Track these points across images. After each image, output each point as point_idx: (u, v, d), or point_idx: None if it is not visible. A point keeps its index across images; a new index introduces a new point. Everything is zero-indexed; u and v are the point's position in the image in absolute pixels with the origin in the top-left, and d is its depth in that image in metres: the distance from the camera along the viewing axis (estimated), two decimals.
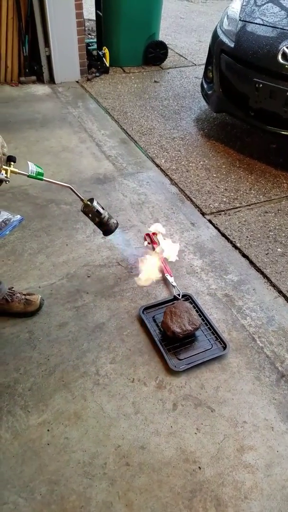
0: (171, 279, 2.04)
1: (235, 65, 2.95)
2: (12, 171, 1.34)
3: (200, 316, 1.85)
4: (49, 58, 4.18)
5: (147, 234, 2.34)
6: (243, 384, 1.61)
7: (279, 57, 2.64)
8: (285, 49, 2.62)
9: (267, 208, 2.64)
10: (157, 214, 2.55)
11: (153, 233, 2.35)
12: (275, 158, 3.20)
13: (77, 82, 4.42)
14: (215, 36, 3.28)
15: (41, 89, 4.18)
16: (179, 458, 1.39)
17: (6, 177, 1.33)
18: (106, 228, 1.64)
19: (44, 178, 1.43)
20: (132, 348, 1.75)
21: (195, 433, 1.46)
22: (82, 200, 1.55)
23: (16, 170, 1.35)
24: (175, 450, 1.41)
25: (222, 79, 3.14)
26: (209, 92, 3.37)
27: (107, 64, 4.65)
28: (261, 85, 2.74)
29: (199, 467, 1.37)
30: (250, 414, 1.52)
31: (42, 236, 2.29)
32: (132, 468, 1.36)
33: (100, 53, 4.65)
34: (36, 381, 1.60)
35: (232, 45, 2.98)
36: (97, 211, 1.58)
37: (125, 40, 4.68)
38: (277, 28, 2.78)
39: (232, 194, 2.78)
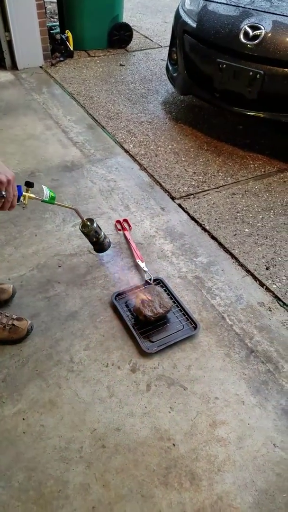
0: (142, 265, 2.06)
1: (198, 46, 2.94)
2: (29, 197, 1.35)
3: (172, 299, 1.88)
4: (10, 43, 4.06)
5: (118, 221, 2.35)
6: (214, 362, 1.66)
7: (241, 37, 2.64)
8: (247, 28, 2.63)
9: (235, 190, 2.68)
10: (127, 200, 2.55)
11: (124, 220, 2.36)
12: (242, 139, 3.23)
13: (40, 67, 4.32)
14: (177, 16, 3.25)
15: (3, 76, 4.07)
16: (153, 437, 1.43)
17: (25, 203, 1.34)
18: (101, 246, 1.67)
19: (55, 202, 1.44)
20: (105, 334, 1.77)
21: (169, 412, 1.50)
22: (82, 220, 1.56)
23: (33, 195, 1.36)
24: (150, 429, 1.45)
25: (186, 60, 3.13)
26: (174, 75, 3.35)
27: (71, 48, 4.55)
28: (224, 65, 2.74)
29: (173, 444, 1.42)
30: (221, 390, 1.57)
31: (10, 227, 2.27)
32: (108, 450, 1.40)
33: (63, 36, 4.54)
34: (10, 372, 1.61)
35: (194, 25, 2.97)
36: (96, 231, 1.59)
37: (88, 22, 4.58)
38: (239, 6, 2.78)
39: (200, 177, 2.80)
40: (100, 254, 1.75)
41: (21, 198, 1.33)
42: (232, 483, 1.33)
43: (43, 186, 1.43)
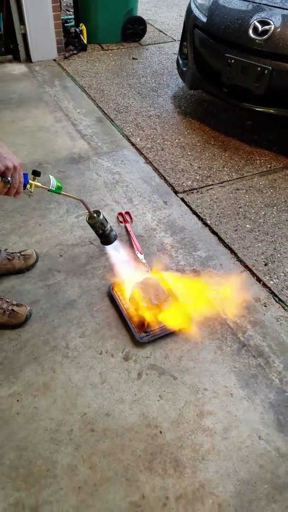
0: (141, 257, 2.09)
1: (208, 41, 2.93)
2: (36, 186, 1.37)
3: (168, 291, 1.90)
4: (24, 36, 4.12)
5: (120, 213, 2.38)
6: (205, 354, 1.69)
7: (250, 32, 2.63)
8: (256, 23, 2.61)
9: (239, 185, 2.69)
10: (131, 193, 2.58)
11: (126, 212, 2.39)
12: (249, 135, 3.23)
13: (54, 60, 4.36)
14: (189, 10, 3.25)
15: (17, 68, 4.12)
16: (141, 424, 1.47)
17: (30, 191, 1.36)
18: (107, 239, 1.67)
19: (62, 192, 1.46)
20: (101, 322, 1.81)
21: (158, 400, 1.54)
22: (89, 211, 1.57)
23: (39, 184, 1.38)
24: (138, 416, 1.49)
25: (196, 55, 3.13)
26: (184, 69, 3.35)
27: (85, 41, 4.58)
28: (233, 60, 2.74)
29: (160, 432, 1.45)
30: (211, 381, 1.60)
31: (16, 217, 2.32)
32: (96, 434, 1.44)
33: (78, 30, 4.57)
34: (7, 356, 1.66)
35: (204, 20, 2.96)
36: (102, 223, 1.60)
37: (102, 16, 4.60)
38: (249, 1, 2.76)
39: (205, 172, 2.81)
40: (106, 246, 1.75)
41: (28, 186, 1.35)
42: (215, 472, 1.36)
43: (51, 176, 1.45)
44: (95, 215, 1.58)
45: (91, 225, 1.61)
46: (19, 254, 2.00)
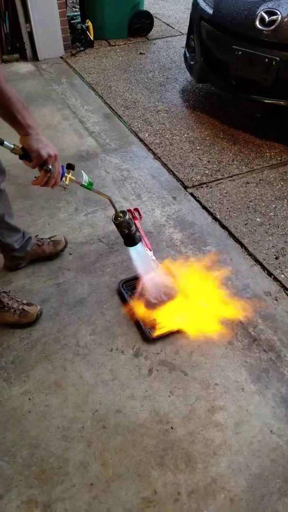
0: (150, 253, 2.08)
1: (214, 33, 2.90)
2: (70, 179, 1.38)
3: (177, 287, 1.90)
4: (30, 34, 4.12)
5: (129, 210, 2.38)
6: (216, 349, 1.68)
7: (257, 23, 2.59)
8: (263, 14, 2.57)
9: (249, 179, 2.66)
10: (139, 189, 2.58)
11: (135, 209, 2.39)
12: (259, 128, 3.18)
13: (61, 57, 4.37)
14: (195, 3, 3.22)
15: (24, 67, 4.14)
16: (152, 420, 1.48)
17: (66, 184, 1.37)
18: (132, 240, 1.65)
19: (92, 188, 1.47)
20: (111, 320, 1.82)
21: (169, 396, 1.54)
22: (116, 211, 1.56)
23: (74, 178, 1.39)
24: (149, 412, 1.50)
25: (203, 48, 3.10)
26: (192, 62, 3.32)
27: (91, 38, 4.57)
28: (240, 52, 2.70)
29: (172, 427, 1.46)
30: (221, 376, 1.60)
31: (25, 216, 2.34)
32: (108, 430, 1.45)
33: (84, 26, 4.56)
34: (19, 355, 1.68)
35: (211, 12, 2.93)
36: (128, 223, 1.58)
37: (108, 11, 4.57)
38: None
39: (214, 166, 2.79)
40: (130, 248, 1.73)
41: (63, 179, 1.36)
42: (227, 467, 1.36)
43: (82, 172, 1.46)
44: (121, 214, 1.55)
45: (117, 225, 1.58)
46: (48, 240, 2.07)
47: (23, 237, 1.92)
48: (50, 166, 1.24)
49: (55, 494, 1.30)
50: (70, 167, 1.37)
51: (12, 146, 1.21)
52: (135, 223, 2.22)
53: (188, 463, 1.37)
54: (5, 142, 1.19)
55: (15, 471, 1.36)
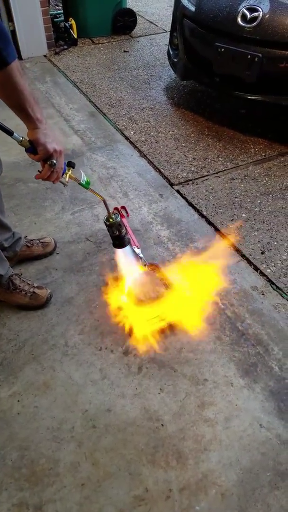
0: (138, 251, 2.08)
1: (197, 30, 2.90)
2: (70, 176, 1.39)
3: (166, 284, 1.90)
4: (13, 33, 4.07)
5: (116, 208, 2.37)
6: (204, 344, 1.69)
7: (239, 19, 2.60)
8: (244, 11, 2.58)
9: (234, 175, 2.67)
10: (126, 187, 2.57)
11: (122, 207, 2.38)
12: (243, 124, 3.20)
13: (45, 56, 4.33)
14: (177, 0, 3.21)
15: None
16: (143, 418, 1.47)
17: (66, 181, 1.39)
18: (121, 242, 1.68)
19: (89, 188, 1.49)
20: (100, 319, 1.81)
21: (159, 393, 1.54)
22: (108, 212, 1.58)
23: (73, 176, 1.41)
24: (140, 410, 1.49)
25: (186, 45, 3.10)
26: (175, 60, 3.32)
27: (75, 36, 4.54)
28: (223, 49, 2.71)
29: (162, 424, 1.46)
30: (210, 372, 1.60)
31: (10, 216, 2.31)
32: (98, 430, 1.44)
33: (67, 24, 4.53)
34: (6, 356, 1.66)
35: (193, 9, 2.93)
36: (120, 225, 1.61)
37: (91, 9, 4.54)
38: None
39: (200, 163, 2.79)
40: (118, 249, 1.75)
41: (64, 175, 1.38)
42: (217, 462, 1.37)
43: (81, 171, 1.48)
44: (113, 216, 1.58)
45: (108, 226, 1.61)
46: (38, 241, 2.06)
47: (13, 236, 1.91)
48: (54, 161, 1.27)
49: (46, 496, 1.29)
50: (71, 164, 1.40)
51: (21, 138, 1.24)
52: (122, 221, 2.23)
53: (179, 460, 1.37)
54: (14, 134, 1.21)
55: (5, 473, 1.34)
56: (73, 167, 1.41)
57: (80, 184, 1.44)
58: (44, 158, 1.27)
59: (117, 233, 1.62)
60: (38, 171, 1.32)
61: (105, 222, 1.60)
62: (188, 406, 1.50)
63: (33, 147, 1.25)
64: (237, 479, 1.33)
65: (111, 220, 1.58)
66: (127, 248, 1.74)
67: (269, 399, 1.52)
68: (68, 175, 1.38)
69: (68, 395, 1.54)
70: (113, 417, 1.48)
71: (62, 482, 1.33)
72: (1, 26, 1.06)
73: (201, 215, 2.36)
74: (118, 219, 1.60)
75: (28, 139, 1.25)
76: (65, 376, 1.60)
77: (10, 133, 1.20)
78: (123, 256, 1.84)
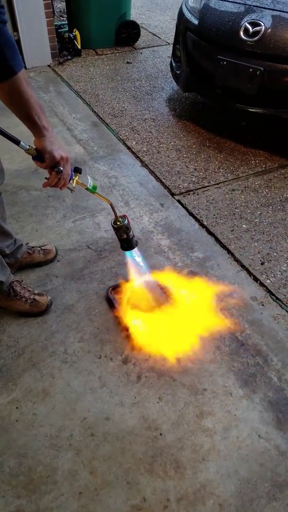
0: (138, 259, 2.09)
1: (199, 43, 2.95)
2: (77, 182, 1.42)
3: (166, 293, 1.91)
4: (18, 42, 4.13)
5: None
6: (203, 354, 1.69)
7: (241, 33, 2.64)
8: (247, 25, 2.63)
9: (234, 186, 2.69)
10: (127, 196, 2.59)
11: (123, 215, 2.39)
12: (244, 136, 3.23)
13: (48, 66, 4.38)
14: (180, 13, 3.27)
15: None
16: (141, 426, 1.47)
17: (73, 187, 1.41)
18: (129, 244, 1.69)
19: (96, 192, 1.51)
20: (99, 326, 1.81)
21: (157, 402, 1.54)
22: (115, 216, 1.60)
23: (80, 181, 1.43)
24: (138, 419, 1.49)
25: (189, 58, 3.15)
26: (178, 72, 3.37)
27: (79, 47, 4.60)
28: (225, 62, 2.75)
29: (160, 434, 1.46)
30: (210, 381, 1.60)
31: (12, 223, 2.32)
32: (96, 438, 1.44)
33: (71, 35, 4.59)
34: (6, 363, 1.66)
35: (196, 22, 2.98)
36: (127, 227, 1.62)
37: (95, 21, 4.61)
38: (239, 3, 2.78)
39: (201, 173, 2.82)
40: (126, 252, 1.77)
41: (71, 181, 1.39)
42: (215, 472, 1.36)
43: (88, 176, 1.51)
44: (120, 219, 1.60)
45: (116, 229, 1.63)
46: (39, 248, 2.07)
47: (14, 243, 1.92)
48: (61, 168, 1.29)
49: (43, 504, 1.29)
50: (78, 170, 1.42)
51: (28, 146, 1.26)
52: (129, 224, 2.24)
53: (177, 469, 1.37)
54: (21, 143, 1.23)
55: (2, 481, 1.34)
56: (80, 173, 1.43)
57: (87, 189, 1.47)
58: (51, 165, 1.29)
59: (125, 235, 1.64)
60: (46, 178, 1.34)
61: (112, 226, 1.62)
62: (187, 415, 1.50)
63: (39, 155, 1.27)
64: (235, 489, 1.33)
65: (118, 223, 1.59)
66: (136, 250, 1.74)
67: (268, 410, 1.52)
68: (75, 180, 1.40)
69: (67, 402, 1.54)
70: (112, 425, 1.48)
71: (59, 490, 1.32)
72: (9, 36, 1.08)
73: (202, 225, 2.38)
74: (126, 221, 1.61)
75: (34, 147, 1.27)
76: (64, 383, 1.60)
77: (17, 142, 1.22)
78: (132, 259, 1.86)
